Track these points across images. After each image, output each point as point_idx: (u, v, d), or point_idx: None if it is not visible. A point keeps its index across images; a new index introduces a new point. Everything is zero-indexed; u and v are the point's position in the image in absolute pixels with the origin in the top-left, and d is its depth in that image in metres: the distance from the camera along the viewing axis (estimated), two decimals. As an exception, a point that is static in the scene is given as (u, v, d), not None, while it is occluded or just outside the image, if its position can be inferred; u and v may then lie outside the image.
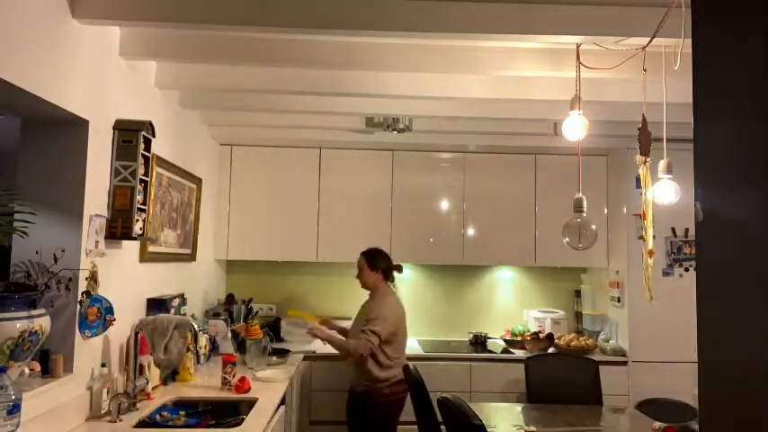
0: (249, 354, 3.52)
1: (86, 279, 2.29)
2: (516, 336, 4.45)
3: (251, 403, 2.67)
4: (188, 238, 3.70)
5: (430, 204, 4.55)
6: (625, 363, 4.11)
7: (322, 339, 3.40)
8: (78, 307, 2.24)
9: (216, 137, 4.35)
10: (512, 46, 2.70)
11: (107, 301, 2.36)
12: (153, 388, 2.73)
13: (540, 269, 4.82)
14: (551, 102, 3.08)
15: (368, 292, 3.53)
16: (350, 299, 4.67)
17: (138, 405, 2.50)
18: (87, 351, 2.34)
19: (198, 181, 3.82)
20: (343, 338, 3.45)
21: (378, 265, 3.47)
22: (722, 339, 0.92)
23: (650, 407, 3.60)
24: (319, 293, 4.79)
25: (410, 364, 3.24)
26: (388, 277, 3.53)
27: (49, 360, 2.17)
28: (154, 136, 2.72)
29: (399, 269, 3.60)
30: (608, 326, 4.43)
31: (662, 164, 2.65)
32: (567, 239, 2.68)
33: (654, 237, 2.58)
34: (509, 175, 4.56)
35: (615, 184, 4.45)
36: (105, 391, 2.39)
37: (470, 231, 4.53)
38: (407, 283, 4.84)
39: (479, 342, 4.47)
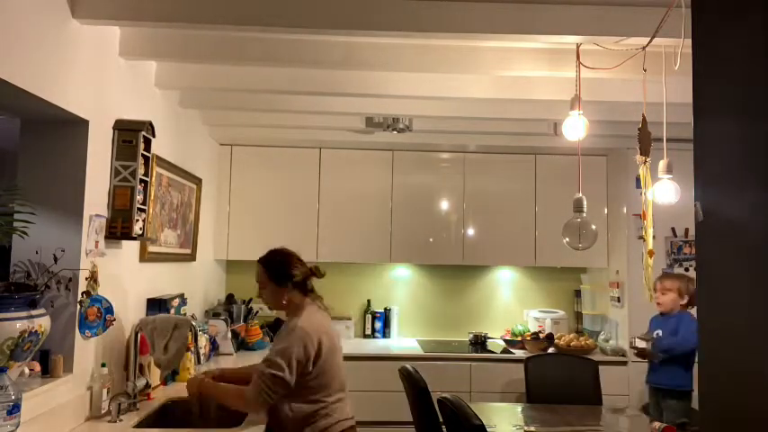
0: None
1: (86, 279, 2.29)
2: (516, 336, 4.44)
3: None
4: (188, 238, 3.69)
5: (430, 204, 4.55)
6: (625, 363, 4.10)
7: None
8: (78, 307, 2.24)
9: (216, 137, 4.35)
10: (512, 46, 2.70)
11: (107, 301, 2.36)
12: (153, 388, 2.73)
13: (540, 269, 4.82)
14: (551, 102, 3.07)
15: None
16: (350, 299, 4.68)
17: (138, 405, 2.50)
18: (87, 351, 2.34)
19: (198, 181, 3.82)
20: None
21: (286, 278, 2.37)
22: (722, 339, 0.92)
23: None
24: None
25: (407, 365, 3.23)
26: (305, 290, 2.45)
27: (49, 360, 2.17)
28: (154, 136, 2.72)
29: (318, 273, 2.49)
30: (608, 326, 4.43)
31: (662, 164, 2.65)
32: (567, 239, 2.68)
33: (654, 237, 2.58)
34: (509, 175, 4.56)
35: (615, 184, 4.44)
36: (105, 391, 2.39)
37: (470, 231, 4.52)
38: (408, 283, 4.83)
39: (479, 342, 4.46)
